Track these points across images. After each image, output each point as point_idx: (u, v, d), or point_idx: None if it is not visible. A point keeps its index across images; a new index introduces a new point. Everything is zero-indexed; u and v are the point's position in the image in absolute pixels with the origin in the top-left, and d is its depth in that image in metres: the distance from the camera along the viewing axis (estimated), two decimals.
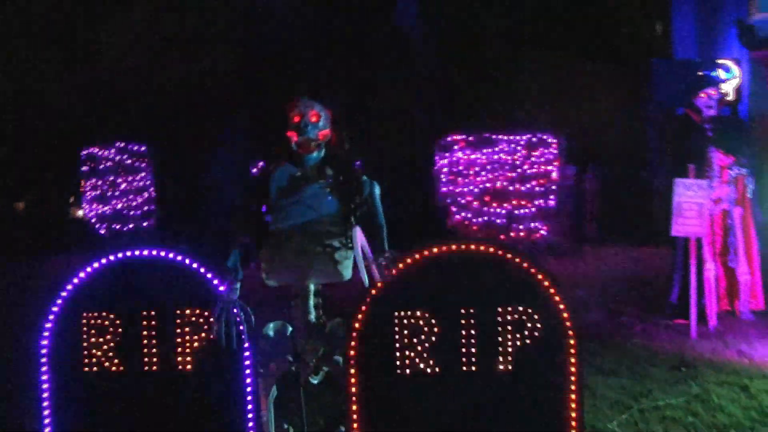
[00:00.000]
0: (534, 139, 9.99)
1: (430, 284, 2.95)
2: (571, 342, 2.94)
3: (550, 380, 2.95)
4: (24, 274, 11.89)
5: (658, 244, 7.06)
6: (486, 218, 9.96)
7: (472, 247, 2.95)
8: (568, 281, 8.18)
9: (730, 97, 9.92)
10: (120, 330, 3.08)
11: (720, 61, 10.50)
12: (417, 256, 2.95)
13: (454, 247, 2.95)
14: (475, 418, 2.99)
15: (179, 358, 3.06)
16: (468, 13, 12.18)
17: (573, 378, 2.94)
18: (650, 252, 8.29)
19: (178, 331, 3.06)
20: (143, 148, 12.62)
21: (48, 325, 3.13)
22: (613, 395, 4.55)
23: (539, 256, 9.60)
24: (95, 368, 3.10)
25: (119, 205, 12.79)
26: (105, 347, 3.09)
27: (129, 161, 12.74)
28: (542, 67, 12.17)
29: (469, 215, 10.02)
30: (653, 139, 11.69)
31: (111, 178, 12.87)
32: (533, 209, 9.91)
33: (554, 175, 10.00)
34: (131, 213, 12.71)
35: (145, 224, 12.66)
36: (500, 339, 2.93)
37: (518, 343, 2.94)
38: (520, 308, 2.93)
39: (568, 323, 2.94)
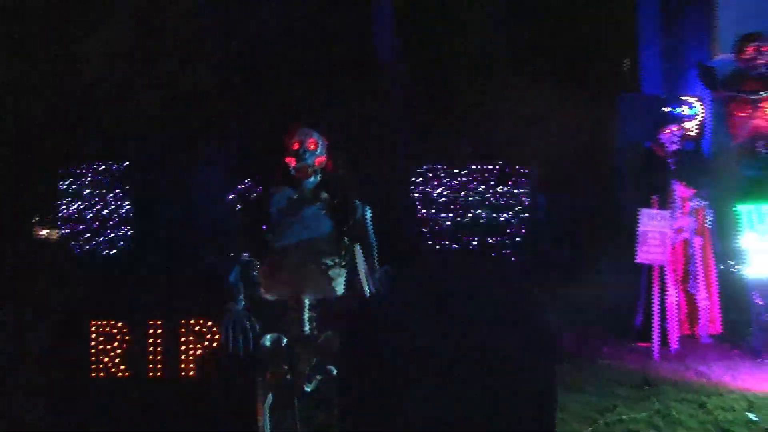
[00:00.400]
0: (506, 169, 10.44)
1: (422, 294, 3.27)
2: (552, 342, 3.28)
3: (535, 377, 3.28)
4: None
5: (624, 272, 7.48)
6: (459, 245, 10.37)
7: (459, 259, 3.29)
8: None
9: (694, 133, 10.50)
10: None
11: (684, 98, 11.11)
12: (411, 268, 3.28)
13: (442, 260, 3.29)
14: (459, 419, 3.30)
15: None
16: (441, 45, 12.68)
17: (550, 374, 3.27)
18: (617, 279, 8.69)
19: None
20: (122, 166, 12.80)
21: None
22: (580, 410, 4.90)
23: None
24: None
25: (95, 224, 12.92)
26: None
27: (107, 180, 12.91)
28: (514, 99, 12.65)
29: (443, 241, 10.42)
30: (622, 171, 12.23)
31: (88, 197, 13.01)
32: (505, 237, 10.33)
33: (525, 204, 10.45)
34: (108, 232, 12.85)
35: (121, 243, 12.80)
36: (488, 343, 3.26)
37: (505, 346, 3.26)
38: (508, 315, 3.26)
39: (550, 325, 3.27)
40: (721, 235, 6.68)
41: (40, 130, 15.17)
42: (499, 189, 10.39)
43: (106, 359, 3.36)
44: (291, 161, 3.66)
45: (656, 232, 6.14)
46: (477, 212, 10.30)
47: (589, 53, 13.78)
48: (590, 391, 5.31)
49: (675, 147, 6.63)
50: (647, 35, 12.91)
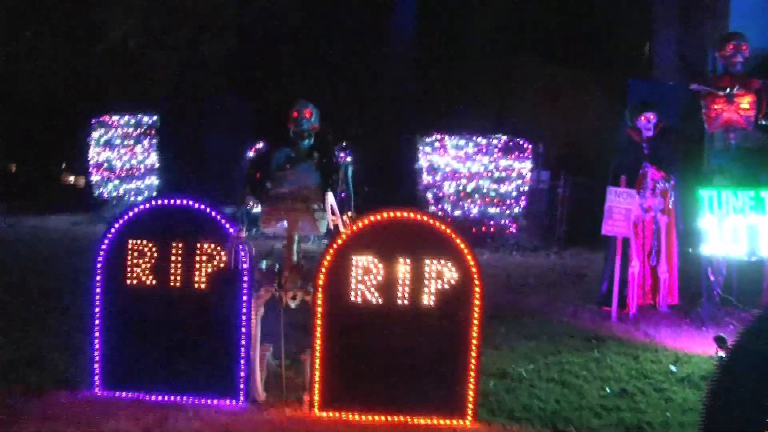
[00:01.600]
0: (511, 143, 11.42)
1: (380, 238, 4.37)
2: (477, 287, 4.37)
3: (460, 312, 4.38)
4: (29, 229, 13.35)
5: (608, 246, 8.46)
6: (461, 212, 11.43)
7: (411, 215, 4.39)
8: (525, 272, 9.70)
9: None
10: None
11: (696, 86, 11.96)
12: (372, 218, 4.39)
13: (398, 213, 4.39)
14: (405, 337, 4.42)
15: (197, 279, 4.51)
16: (464, 17, 13.57)
17: (476, 311, 4.36)
18: (603, 252, 9.76)
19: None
20: (152, 119, 14.06)
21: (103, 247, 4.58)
22: (528, 352, 5.99)
23: (505, 251, 11.10)
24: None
25: (123, 172, 14.24)
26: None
27: (136, 131, 14.19)
28: (531, 76, 13.56)
29: (446, 208, 11.49)
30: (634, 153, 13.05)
31: (118, 146, 14.32)
32: (505, 208, 11.35)
33: (527, 177, 11.45)
34: (134, 180, 14.17)
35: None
36: (426, 281, 4.36)
37: (439, 286, 4.37)
38: (442, 260, 4.36)
39: (475, 273, 4.36)
40: (684, 216, 7.64)
41: (73, 83, 16.48)
42: (502, 162, 11.39)
43: (139, 270, 4.53)
44: (290, 126, 4.79)
45: (621, 208, 7.16)
46: (479, 182, 11.34)
47: (606, 37, 14.59)
48: (543, 340, 6.39)
49: (650, 133, 7.58)
50: (663, 22, 13.67)
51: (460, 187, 11.38)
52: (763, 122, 7.46)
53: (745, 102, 7.67)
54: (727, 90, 7.49)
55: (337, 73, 12.42)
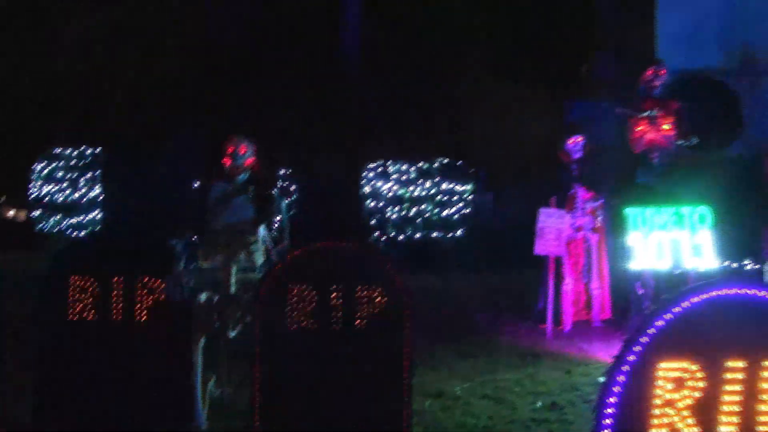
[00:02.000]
0: (453, 166, 11.87)
1: (313, 267, 4.67)
2: (407, 312, 4.68)
3: (391, 336, 4.69)
4: None
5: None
6: (404, 236, 11.80)
7: (342, 244, 4.70)
8: (468, 294, 10.11)
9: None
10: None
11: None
12: (305, 249, 4.68)
13: (330, 244, 4.69)
14: (339, 361, 4.71)
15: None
16: (403, 38, 14.04)
17: (406, 335, 4.68)
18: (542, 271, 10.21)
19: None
20: (96, 151, 14.15)
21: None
22: (465, 371, 6.30)
23: (449, 273, 11.50)
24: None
25: (67, 205, 14.27)
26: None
27: (81, 163, 14.26)
28: (474, 98, 14.06)
29: (389, 233, 11.85)
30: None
31: (62, 179, 14.36)
32: (448, 231, 11.77)
33: (469, 200, 11.91)
34: (79, 213, 14.20)
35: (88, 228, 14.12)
36: (358, 307, 4.66)
37: (371, 310, 4.67)
38: (373, 287, 4.67)
39: (405, 298, 4.68)
40: (613, 233, 8.11)
41: (14, 114, 16.44)
42: (444, 185, 11.83)
43: (80, 305, 4.73)
44: (226, 161, 5.09)
45: (553, 228, 7.58)
46: (423, 207, 11.75)
47: (547, 57, 15.20)
48: (481, 358, 6.72)
49: (578, 155, 8.06)
50: (601, 43, 14.37)
51: (403, 212, 11.78)
52: (682, 142, 8.01)
53: (666, 123, 8.23)
54: (648, 113, 8.03)
55: (282, 98, 12.74)
